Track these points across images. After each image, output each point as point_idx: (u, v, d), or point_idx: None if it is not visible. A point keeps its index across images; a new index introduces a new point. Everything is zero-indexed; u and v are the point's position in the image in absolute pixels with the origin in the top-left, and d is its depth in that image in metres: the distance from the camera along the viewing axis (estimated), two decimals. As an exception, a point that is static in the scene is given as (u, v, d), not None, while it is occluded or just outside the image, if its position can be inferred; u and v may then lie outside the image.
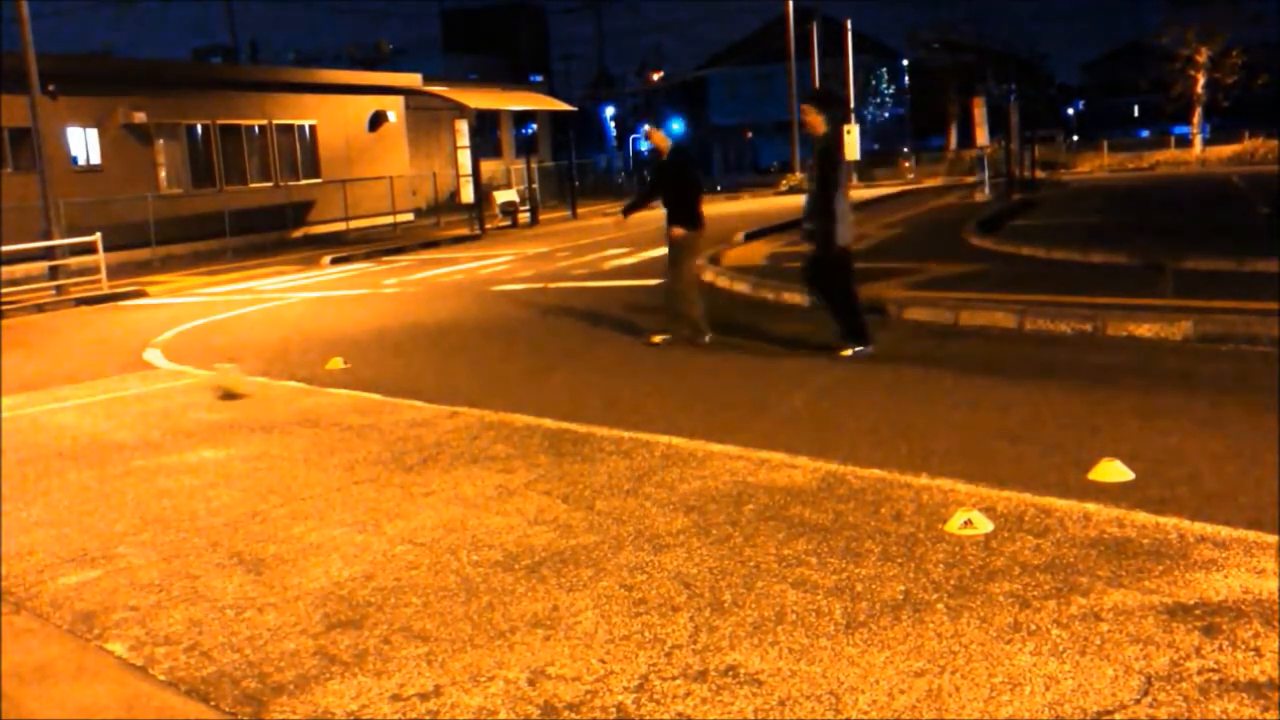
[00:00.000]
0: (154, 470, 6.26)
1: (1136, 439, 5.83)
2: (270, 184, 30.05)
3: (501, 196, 31.72)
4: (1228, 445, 5.61)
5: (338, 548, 4.69)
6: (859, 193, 36.16)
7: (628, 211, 10.52)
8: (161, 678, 3.56)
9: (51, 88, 21.90)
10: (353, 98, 33.12)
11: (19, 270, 18.98)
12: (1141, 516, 4.43)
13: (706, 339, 9.62)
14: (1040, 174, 34.48)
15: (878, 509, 4.70)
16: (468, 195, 29.61)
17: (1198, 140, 44.31)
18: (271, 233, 28.29)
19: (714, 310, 12.05)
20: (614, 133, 77.13)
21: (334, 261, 22.64)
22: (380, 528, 4.92)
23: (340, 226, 30.09)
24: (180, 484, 5.91)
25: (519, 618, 3.82)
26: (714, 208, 34.42)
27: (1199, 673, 3.13)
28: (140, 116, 26.38)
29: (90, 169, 25.84)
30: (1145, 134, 61.10)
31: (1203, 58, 44.06)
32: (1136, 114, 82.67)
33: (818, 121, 8.52)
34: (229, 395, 8.32)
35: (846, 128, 43.58)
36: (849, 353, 8.57)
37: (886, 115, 60.84)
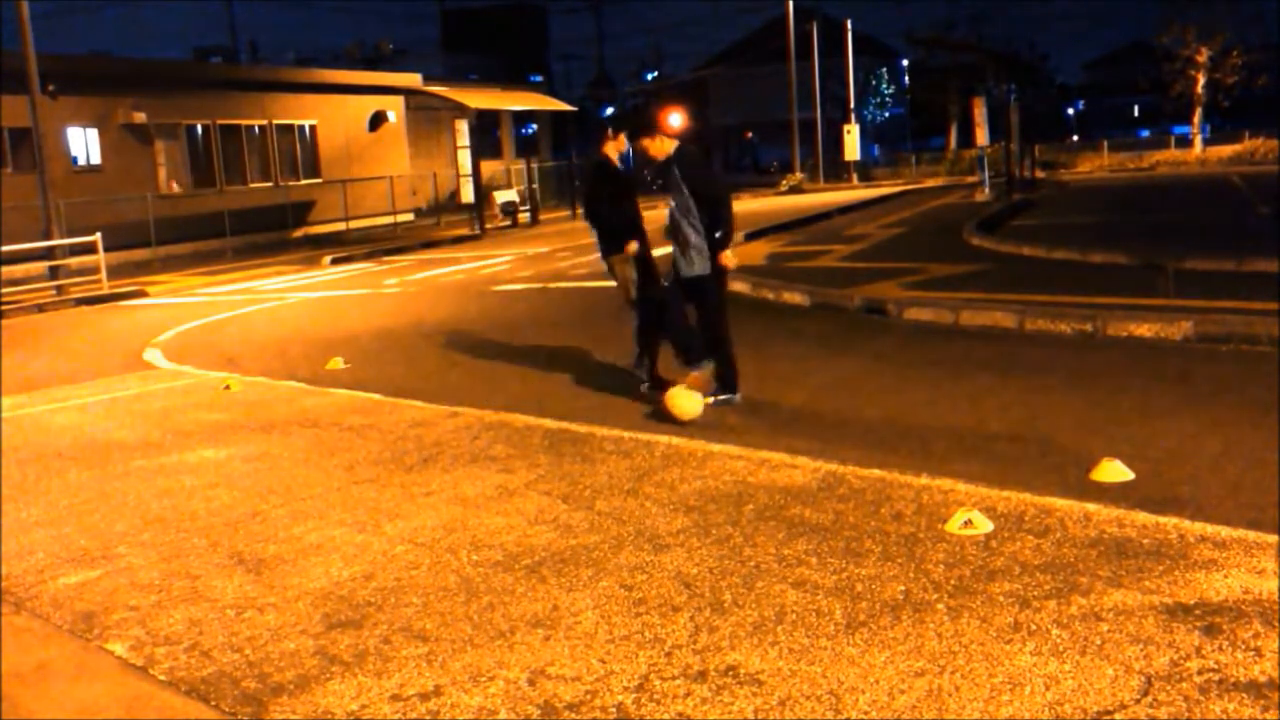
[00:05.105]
0: (154, 470, 6.26)
1: (1136, 439, 5.83)
2: (270, 184, 30.05)
3: (502, 196, 31.70)
4: (1228, 445, 5.61)
5: (338, 548, 4.68)
6: (859, 192, 36.18)
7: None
8: (161, 678, 3.56)
9: (51, 88, 21.90)
10: (353, 98, 33.12)
11: (19, 270, 18.98)
12: (1141, 516, 4.43)
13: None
14: (1040, 174, 34.46)
15: (878, 509, 4.70)
16: (468, 195, 29.61)
17: (1198, 140, 44.30)
18: (272, 233, 28.29)
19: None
20: (614, 133, 77.05)
21: (334, 261, 22.63)
22: (380, 528, 4.92)
23: (340, 226, 30.09)
24: (180, 484, 5.91)
25: (519, 618, 3.82)
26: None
27: (1199, 673, 3.13)
28: (140, 116, 26.39)
29: (90, 169, 25.84)
30: (1146, 134, 61.06)
31: (1203, 58, 44.00)
32: (1137, 114, 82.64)
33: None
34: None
35: (847, 128, 43.66)
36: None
37: (886, 115, 60.79)
